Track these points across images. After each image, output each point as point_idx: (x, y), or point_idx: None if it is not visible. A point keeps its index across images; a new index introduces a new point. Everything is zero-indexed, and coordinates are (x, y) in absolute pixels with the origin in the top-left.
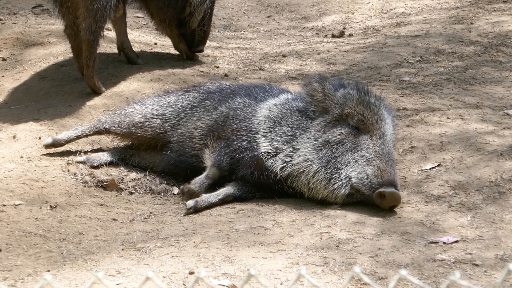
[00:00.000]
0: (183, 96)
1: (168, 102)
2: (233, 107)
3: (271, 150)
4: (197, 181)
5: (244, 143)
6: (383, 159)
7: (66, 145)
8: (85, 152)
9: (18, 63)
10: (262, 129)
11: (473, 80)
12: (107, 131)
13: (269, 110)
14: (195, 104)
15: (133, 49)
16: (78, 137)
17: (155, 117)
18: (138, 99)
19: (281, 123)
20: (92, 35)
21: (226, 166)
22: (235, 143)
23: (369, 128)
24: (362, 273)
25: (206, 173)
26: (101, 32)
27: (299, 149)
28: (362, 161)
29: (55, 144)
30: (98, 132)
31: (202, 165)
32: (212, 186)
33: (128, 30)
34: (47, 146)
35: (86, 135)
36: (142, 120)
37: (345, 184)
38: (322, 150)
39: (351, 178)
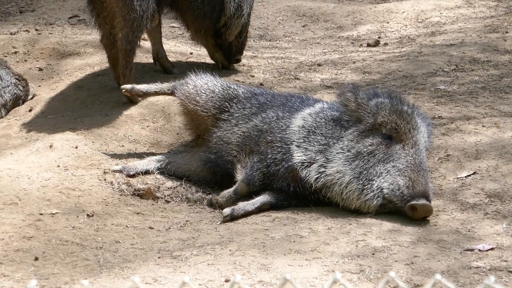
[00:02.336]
0: (234, 87)
1: (222, 84)
2: (267, 120)
3: (305, 160)
4: (225, 195)
5: (279, 154)
6: (415, 169)
7: (143, 96)
8: (121, 161)
9: (54, 73)
10: (296, 139)
11: (508, 89)
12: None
13: (304, 120)
14: (242, 100)
15: (169, 58)
16: (156, 93)
17: (205, 92)
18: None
19: (315, 132)
20: (129, 45)
21: (257, 182)
22: (270, 156)
23: (402, 137)
24: (396, 278)
25: (235, 187)
26: (138, 42)
27: (332, 159)
28: (394, 171)
29: (132, 90)
30: (173, 93)
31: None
32: (249, 195)
33: (164, 40)
34: (125, 90)
35: (165, 93)
36: (194, 91)
37: (377, 195)
38: (355, 161)
39: (383, 189)
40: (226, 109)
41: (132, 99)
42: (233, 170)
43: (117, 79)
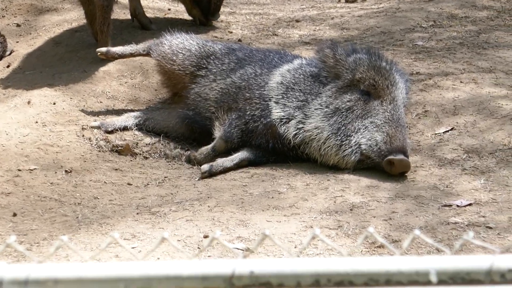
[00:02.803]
0: (210, 44)
1: (198, 42)
2: (245, 77)
3: (284, 116)
4: (203, 152)
5: (258, 111)
6: (392, 125)
7: (118, 58)
8: (99, 117)
9: (32, 29)
10: (274, 95)
11: (486, 45)
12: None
13: (282, 76)
14: (220, 57)
15: (147, 15)
16: (132, 54)
17: (181, 51)
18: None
19: (294, 88)
20: (106, 1)
21: (235, 138)
22: (248, 112)
23: (380, 93)
24: (375, 234)
25: (213, 144)
26: None
27: (310, 115)
28: (372, 127)
29: (107, 53)
30: (149, 54)
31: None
32: (227, 151)
33: None
34: (100, 53)
35: (140, 54)
36: (170, 52)
37: (355, 151)
38: (333, 117)
39: (361, 144)
40: (204, 66)
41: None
42: (212, 127)
43: (94, 35)
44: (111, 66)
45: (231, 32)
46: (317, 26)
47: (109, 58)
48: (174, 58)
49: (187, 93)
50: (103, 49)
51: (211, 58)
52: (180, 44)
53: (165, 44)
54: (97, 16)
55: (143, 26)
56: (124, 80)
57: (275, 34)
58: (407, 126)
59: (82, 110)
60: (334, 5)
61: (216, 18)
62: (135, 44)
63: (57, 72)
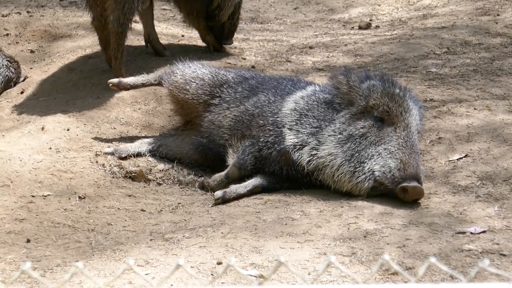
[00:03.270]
0: (223, 72)
1: (210, 71)
2: (258, 104)
3: (297, 142)
4: (217, 179)
5: (272, 137)
6: (406, 151)
7: (130, 89)
8: (113, 143)
9: (46, 55)
10: (288, 121)
11: (499, 71)
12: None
13: (296, 102)
14: (233, 85)
15: (160, 41)
16: (143, 84)
17: (193, 80)
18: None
19: (307, 115)
20: (120, 27)
21: (248, 166)
22: (262, 139)
23: (394, 119)
24: (390, 262)
25: (226, 171)
26: (129, 24)
27: (324, 142)
28: (386, 154)
29: (119, 84)
30: (161, 83)
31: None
32: (241, 178)
33: (155, 22)
34: (113, 84)
35: (152, 84)
36: (183, 82)
37: (368, 178)
38: (347, 143)
39: (375, 171)
40: (217, 95)
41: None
42: (225, 154)
43: (108, 61)
44: (124, 93)
45: (245, 59)
46: (331, 52)
47: (121, 89)
48: (187, 87)
49: (200, 121)
50: (115, 80)
51: (224, 86)
52: (193, 73)
53: (177, 73)
54: (111, 42)
55: (158, 52)
56: (137, 106)
57: (289, 61)
58: (421, 153)
59: (96, 136)
60: (347, 31)
61: (230, 43)
62: (148, 71)
63: (71, 98)
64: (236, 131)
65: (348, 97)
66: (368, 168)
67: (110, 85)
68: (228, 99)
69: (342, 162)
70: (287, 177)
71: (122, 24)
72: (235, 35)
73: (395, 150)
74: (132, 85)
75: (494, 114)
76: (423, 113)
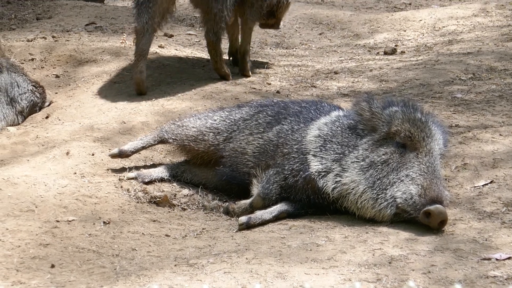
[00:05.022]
0: (236, 111)
1: (221, 116)
2: (282, 134)
3: (322, 169)
4: (241, 206)
5: (296, 165)
6: (428, 177)
7: (132, 155)
8: (137, 168)
9: (71, 80)
10: (312, 148)
11: None
12: (167, 141)
13: (319, 129)
14: (248, 117)
15: (185, 65)
16: (143, 147)
17: (208, 130)
18: (195, 112)
19: (332, 141)
20: (215, 36)
21: (273, 196)
22: (287, 167)
23: (416, 145)
24: None
25: (251, 201)
26: (222, 32)
27: (347, 169)
28: (407, 180)
29: (121, 154)
30: (162, 141)
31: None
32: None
33: (181, 47)
34: (113, 156)
35: (151, 145)
36: (196, 133)
37: (390, 204)
38: (369, 170)
39: (396, 198)
40: (235, 129)
41: (226, 77)
42: (250, 183)
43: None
44: (149, 118)
45: (270, 84)
46: (356, 78)
47: (123, 157)
48: (206, 138)
49: (222, 152)
50: (115, 151)
51: (240, 122)
52: (207, 123)
53: (187, 126)
54: (209, 50)
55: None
56: None
57: (314, 86)
58: (445, 179)
59: (121, 161)
60: (372, 57)
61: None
62: (145, 135)
63: (96, 123)
64: (260, 161)
65: (370, 124)
66: (390, 195)
67: (111, 156)
68: (247, 131)
69: (364, 189)
70: (313, 203)
71: (216, 33)
72: (260, 60)
73: (417, 176)
74: (133, 151)
75: None
76: (448, 138)
